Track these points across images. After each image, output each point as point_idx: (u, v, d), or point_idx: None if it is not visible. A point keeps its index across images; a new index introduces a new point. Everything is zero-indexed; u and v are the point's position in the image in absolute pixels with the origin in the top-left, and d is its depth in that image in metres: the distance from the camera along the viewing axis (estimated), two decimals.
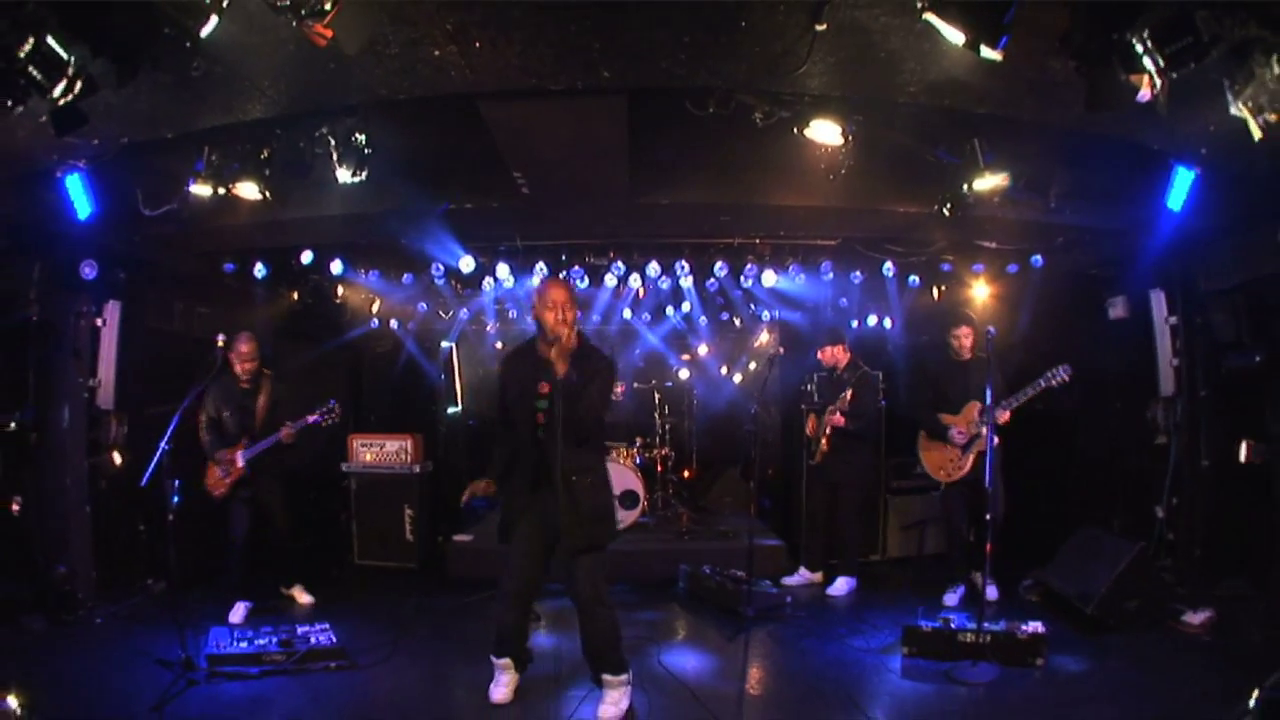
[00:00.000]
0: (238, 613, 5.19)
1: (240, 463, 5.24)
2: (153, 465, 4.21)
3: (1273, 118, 2.82)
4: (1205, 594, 4.94)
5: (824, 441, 6.02)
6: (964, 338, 5.60)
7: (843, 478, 6.04)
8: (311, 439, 5.66)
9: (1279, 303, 4.87)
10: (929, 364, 5.97)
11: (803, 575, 6.18)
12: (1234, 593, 4.94)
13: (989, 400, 4.69)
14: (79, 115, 3.14)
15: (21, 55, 2.75)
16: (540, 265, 6.50)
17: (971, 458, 5.39)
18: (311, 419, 5.35)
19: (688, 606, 5.56)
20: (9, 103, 2.84)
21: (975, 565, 5.50)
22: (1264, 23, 2.61)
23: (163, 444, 4.21)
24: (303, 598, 5.63)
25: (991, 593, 4.70)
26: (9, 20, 2.67)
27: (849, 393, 5.86)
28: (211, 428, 5.30)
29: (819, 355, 6.26)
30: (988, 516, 4.62)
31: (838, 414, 5.94)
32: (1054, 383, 5.02)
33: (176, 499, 4.33)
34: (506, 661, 3.88)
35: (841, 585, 5.90)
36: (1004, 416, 5.19)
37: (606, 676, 3.71)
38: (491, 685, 3.88)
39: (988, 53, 2.80)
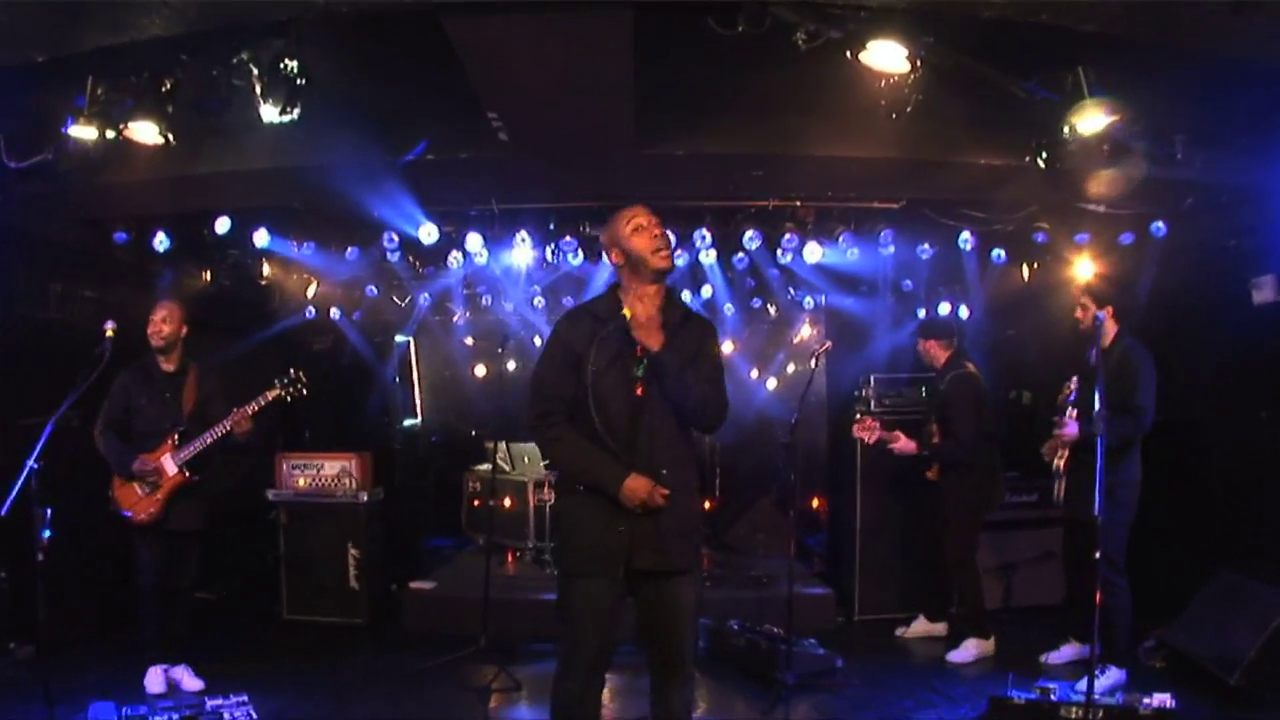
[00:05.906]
0: (155, 679, 4.99)
1: (172, 469, 4.98)
2: (15, 490, 4.15)
3: None
4: None
5: (933, 471, 6.03)
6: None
7: (948, 510, 5.93)
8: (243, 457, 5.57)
9: None
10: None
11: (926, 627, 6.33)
12: None
13: (1097, 408, 4.51)
14: None
15: None
16: (523, 235, 6.52)
17: (1062, 484, 5.26)
18: (272, 395, 5.14)
19: (710, 671, 5.55)
20: None
21: (1074, 631, 5.52)
22: None
23: (30, 462, 4.17)
24: (191, 683, 5.13)
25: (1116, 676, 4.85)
26: None
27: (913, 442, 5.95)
28: (114, 430, 5.03)
29: (919, 346, 6.35)
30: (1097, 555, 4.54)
31: (901, 440, 5.96)
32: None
33: (48, 533, 4.26)
34: None
35: (970, 650, 5.74)
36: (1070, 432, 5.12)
37: None
38: None
39: None
